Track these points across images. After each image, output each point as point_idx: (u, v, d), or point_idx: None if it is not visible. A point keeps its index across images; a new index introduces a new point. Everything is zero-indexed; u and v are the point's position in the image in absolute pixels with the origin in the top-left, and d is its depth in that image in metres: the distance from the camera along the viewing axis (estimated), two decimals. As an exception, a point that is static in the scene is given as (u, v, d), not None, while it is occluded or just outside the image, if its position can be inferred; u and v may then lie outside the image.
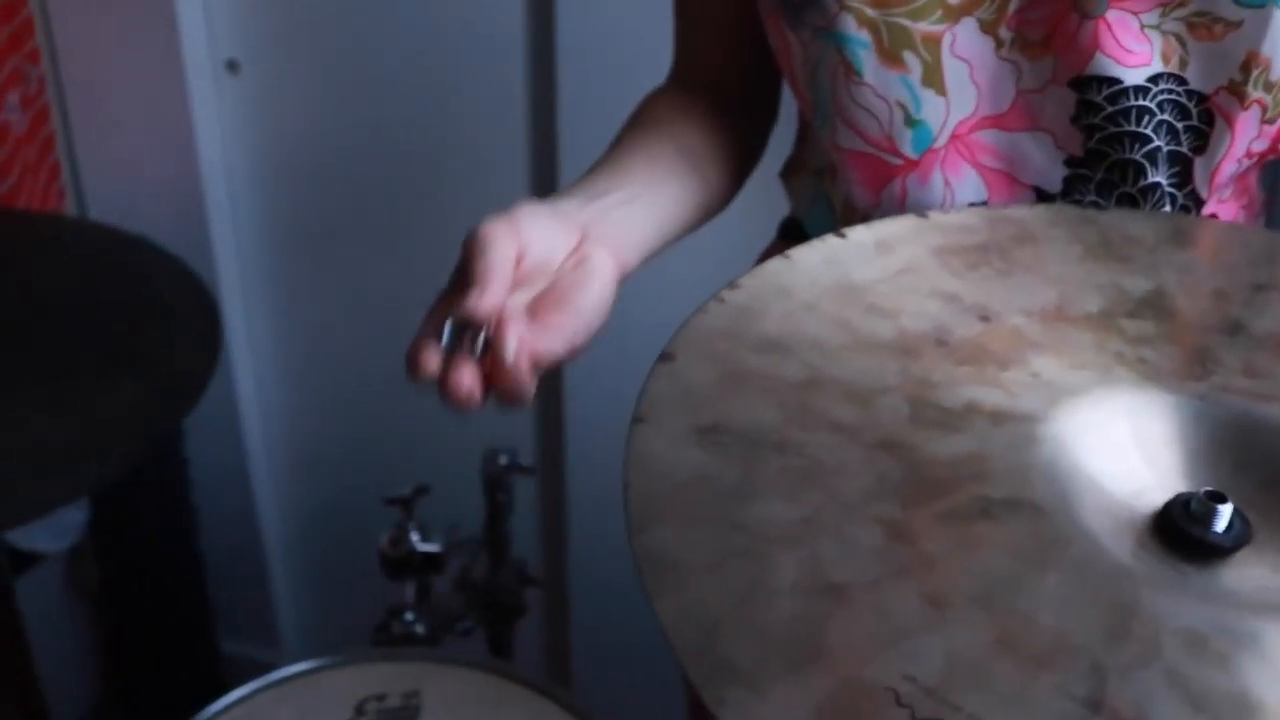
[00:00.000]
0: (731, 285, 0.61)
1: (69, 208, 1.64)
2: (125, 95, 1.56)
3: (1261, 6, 0.70)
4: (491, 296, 0.62)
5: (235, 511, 1.74)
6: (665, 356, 0.56)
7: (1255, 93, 0.73)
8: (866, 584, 0.45)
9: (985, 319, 0.61)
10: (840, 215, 0.83)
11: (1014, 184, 0.77)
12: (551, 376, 1.56)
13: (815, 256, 0.64)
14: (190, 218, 1.59)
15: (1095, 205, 0.76)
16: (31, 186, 1.56)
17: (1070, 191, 0.76)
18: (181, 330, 1.22)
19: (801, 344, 0.58)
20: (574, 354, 0.65)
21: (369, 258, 1.60)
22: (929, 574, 0.46)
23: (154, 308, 1.26)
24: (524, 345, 0.62)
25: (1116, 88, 0.73)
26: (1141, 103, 0.73)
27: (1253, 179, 0.81)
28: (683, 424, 0.52)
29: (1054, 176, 0.76)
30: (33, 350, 1.19)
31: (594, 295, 0.67)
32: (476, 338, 0.61)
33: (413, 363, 0.62)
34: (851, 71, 0.76)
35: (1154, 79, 0.73)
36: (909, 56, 0.75)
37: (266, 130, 1.58)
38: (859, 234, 0.66)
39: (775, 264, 0.63)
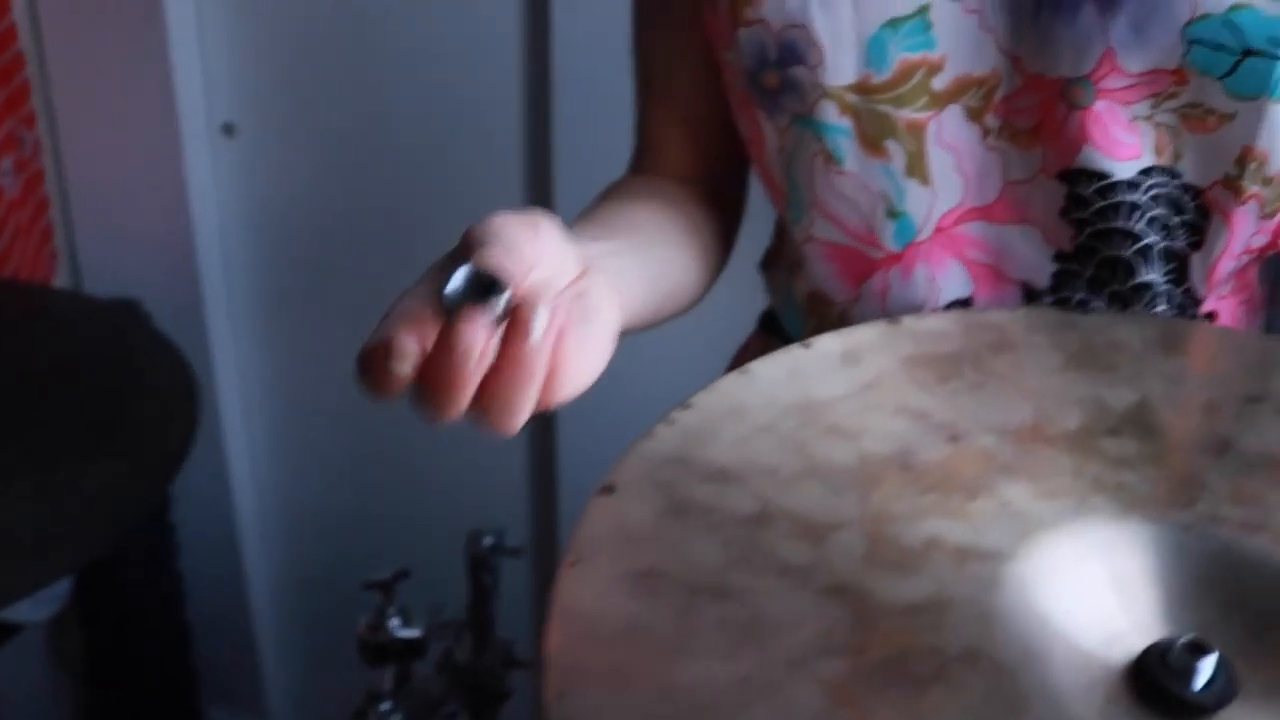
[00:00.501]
0: (683, 405, 0.57)
1: (61, 272, 1.62)
2: (120, 158, 1.54)
3: (1255, 98, 0.66)
4: (518, 260, 0.49)
5: (224, 580, 1.71)
6: (605, 488, 0.52)
7: (1252, 187, 0.69)
8: (802, 762, 0.41)
9: (954, 439, 0.57)
10: (805, 310, 0.80)
11: (1001, 279, 0.74)
12: (545, 453, 1.53)
13: (776, 370, 0.60)
14: (184, 282, 1.57)
15: (1083, 304, 0.72)
16: (23, 251, 1.54)
17: (1060, 288, 0.72)
18: (161, 407, 1.19)
19: (754, 472, 0.54)
20: (569, 396, 0.53)
21: (365, 325, 1.57)
22: (873, 749, 0.42)
23: (135, 383, 1.23)
24: (554, 328, 0.50)
25: (1106, 181, 0.69)
26: (1132, 198, 0.70)
27: (1252, 274, 0.77)
28: (618, 567, 0.49)
29: (1043, 272, 0.73)
30: (9, 426, 1.16)
31: (600, 333, 0.54)
32: (495, 301, 0.48)
33: (394, 323, 0.49)
34: (832, 161, 0.72)
35: (1145, 172, 0.70)
36: (892, 145, 0.71)
37: (263, 194, 1.56)
38: (825, 343, 0.62)
39: (731, 380, 0.59)
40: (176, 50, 1.46)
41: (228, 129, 1.53)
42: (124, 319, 1.39)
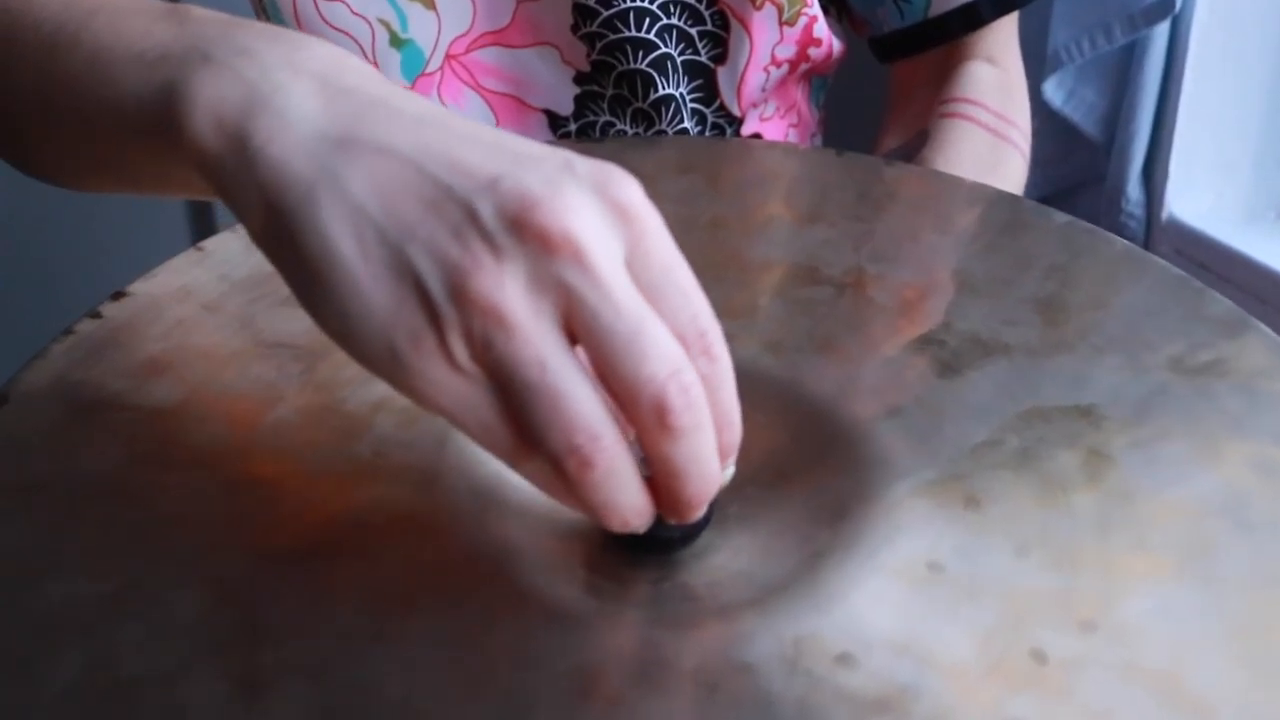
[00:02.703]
0: (116, 295, 0.50)
1: None
2: None
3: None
4: None
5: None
6: (-5, 399, 0.45)
7: (766, -11, 0.65)
8: (164, 675, 0.35)
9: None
10: None
11: (523, 108, 0.68)
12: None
13: (235, 243, 0.53)
14: None
15: (607, 127, 0.67)
16: None
17: (583, 112, 0.67)
18: None
19: (186, 358, 0.47)
20: None
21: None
22: (255, 647, 0.36)
23: None
24: None
25: None
26: (641, 4, 0.65)
27: (799, 95, 0.73)
28: (-9, 487, 0.41)
29: (565, 97, 0.67)
30: None
31: None
32: None
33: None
34: None
35: None
36: None
37: None
38: (295, 208, 0.55)
39: (182, 260, 0.52)
40: None
41: None
42: None
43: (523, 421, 0.35)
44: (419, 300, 0.34)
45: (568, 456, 0.34)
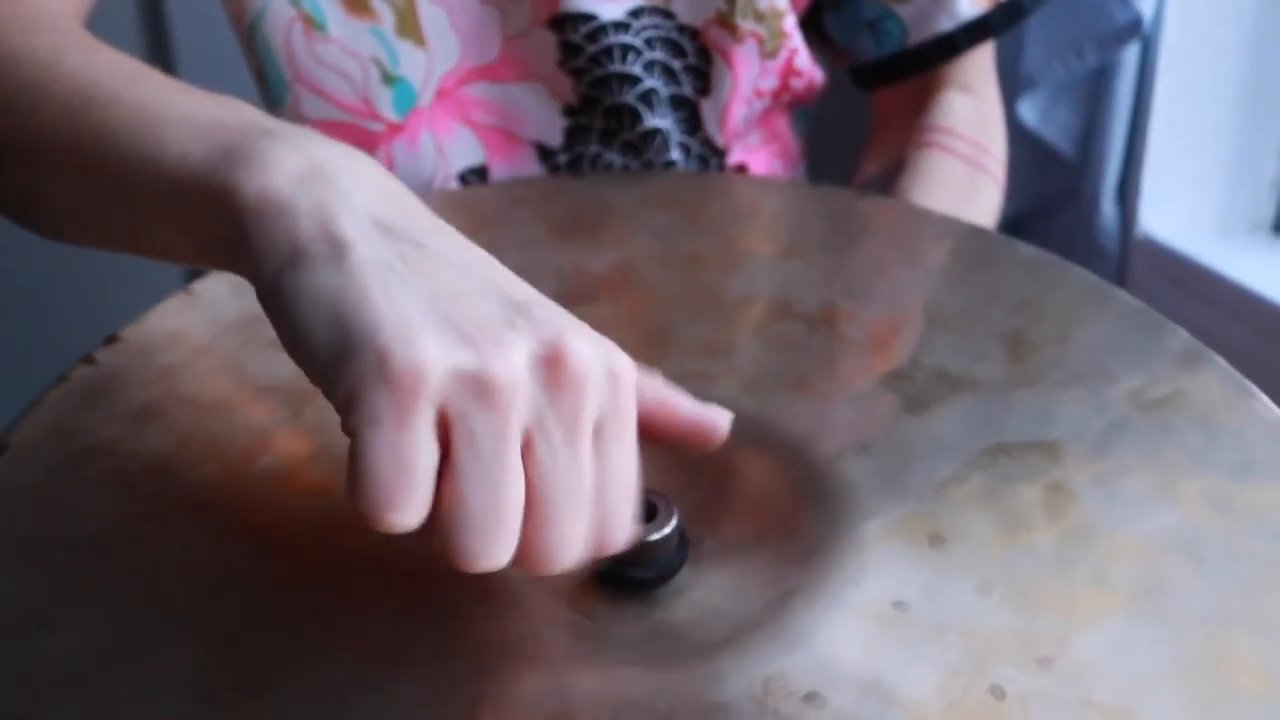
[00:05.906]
0: (109, 340, 0.51)
1: None
2: None
3: (731, -69, 0.63)
4: None
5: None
6: (-7, 449, 0.46)
7: (746, 24, 0.66)
8: (157, 728, 0.37)
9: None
10: None
11: (513, 141, 0.69)
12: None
13: (224, 286, 0.55)
14: None
15: (596, 159, 0.68)
16: None
17: (573, 144, 0.69)
18: None
19: (177, 404, 0.48)
20: None
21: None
22: (250, 699, 0.38)
23: None
24: None
25: (594, 24, 0.66)
26: (624, 39, 0.66)
27: (783, 124, 0.74)
28: (-10, 539, 0.43)
29: (554, 130, 0.69)
30: None
31: None
32: None
33: None
34: (313, 26, 0.66)
35: (635, 13, 0.66)
36: (379, 4, 0.66)
37: None
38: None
39: (172, 303, 0.54)
40: None
41: None
42: None
43: (452, 484, 0.35)
44: (430, 326, 0.35)
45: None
